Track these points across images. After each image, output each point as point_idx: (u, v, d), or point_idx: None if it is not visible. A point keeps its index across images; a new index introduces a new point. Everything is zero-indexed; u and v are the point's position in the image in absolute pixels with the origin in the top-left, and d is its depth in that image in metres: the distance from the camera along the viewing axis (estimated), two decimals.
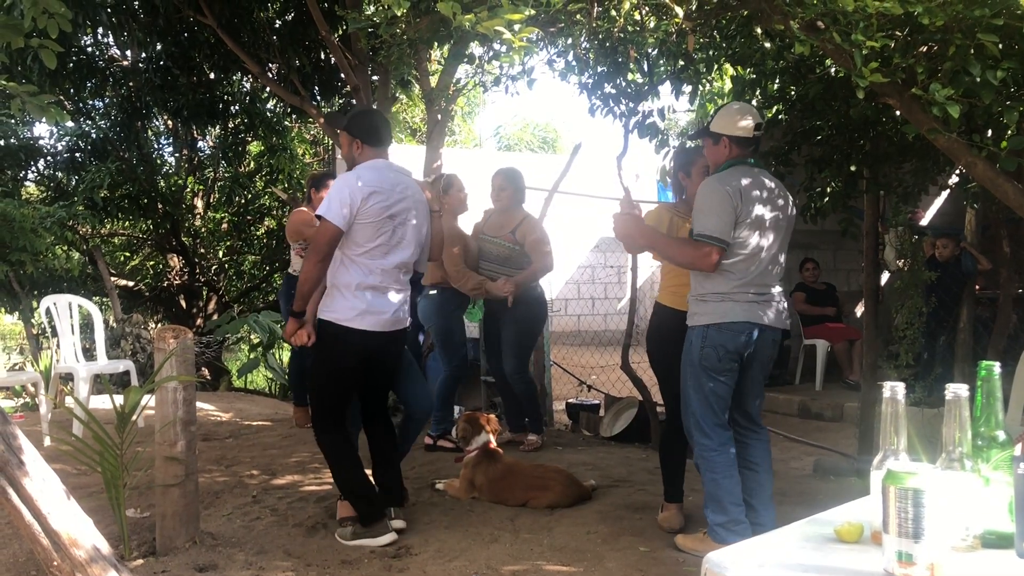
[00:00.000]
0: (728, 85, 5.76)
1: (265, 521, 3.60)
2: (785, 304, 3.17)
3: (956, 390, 1.39)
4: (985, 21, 2.47)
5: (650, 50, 4.46)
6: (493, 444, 4.01)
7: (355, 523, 3.34)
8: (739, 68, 4.72)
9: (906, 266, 5.61)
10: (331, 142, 9.01)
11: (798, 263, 7.43)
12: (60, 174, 9.57)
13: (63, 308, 5.63)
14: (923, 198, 5.05)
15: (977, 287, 6.19)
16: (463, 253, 4.75)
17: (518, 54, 3.45)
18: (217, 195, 10.52)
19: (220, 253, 11.13)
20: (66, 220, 7.93)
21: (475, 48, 4.46)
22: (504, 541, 3.33)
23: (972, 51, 2.58)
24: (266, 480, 4.27)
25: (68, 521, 2.47)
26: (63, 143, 9.30)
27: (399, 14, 3.08)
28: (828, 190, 4.60)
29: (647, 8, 3.47)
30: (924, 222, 7.84)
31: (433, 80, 6.90)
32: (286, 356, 8.07)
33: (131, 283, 10.58)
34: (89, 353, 6.05)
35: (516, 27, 2.74)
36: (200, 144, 10.71)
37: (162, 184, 9.88)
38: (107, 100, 9.30)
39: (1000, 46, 2.55)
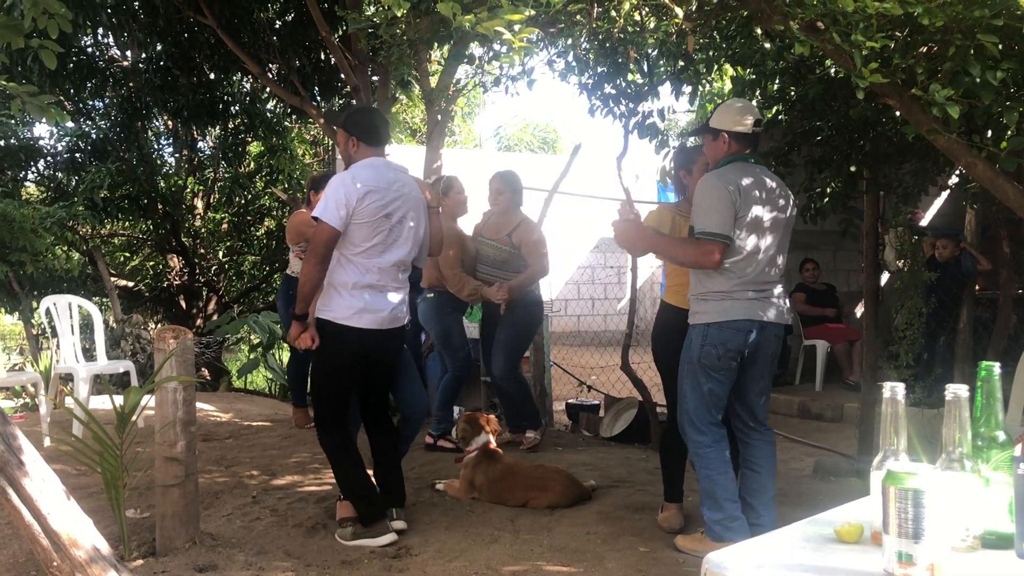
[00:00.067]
0: (728, 86, 5.77)
1: (265, 521, 3.60)
2: (786, 302, 3.17)
3: (956, 390, 1.39)
4: (985, 22, 2.47)
5: (650, 51, 4.47)
6: (493, 444, 4.01)
7: (355, 523, 3.34)
8: (739, 69, 4.73)
9: (906, 266, 5.61)
10: (331, 142, 9.01)
11: (798, 264, 7.43)
12: (60, 174, 9.57)
13: (63, 308, 5.63)
14: (923, 198, 5.05)
15: (977, 287, 6.18)
16: (460, 255, 4.75)
17: (518, 55, 3.45)
18: (217, 195, 10.51)
19: (220, 253, 11.13)
20: (66, 220, 7.93)
21: (475, 48, 4.46)
22: (504, 541, 3.33)
23: (972, 51, 2.58)
24: (266, 480, 4.27)
25: (68, 521, 2.46)
26: (63, 143, 9.30)
27: (399, 14, 3.08)
28: (828, 190, 4.60)
29: (647, 9, 3.47)
30: (924, 222, 7.83)
31: (433, 80, 6.90)
32: (286, 357, 8.07)
33: (131, 283, 10.58)
34: (89, 353, 6.05)
35: (516, 27, 2.74)
36: (200, 144, 10.71)
37: (162, 184, 9.88)
38: (107, 100, 9.30)
39: (1000, 47, 2.56)
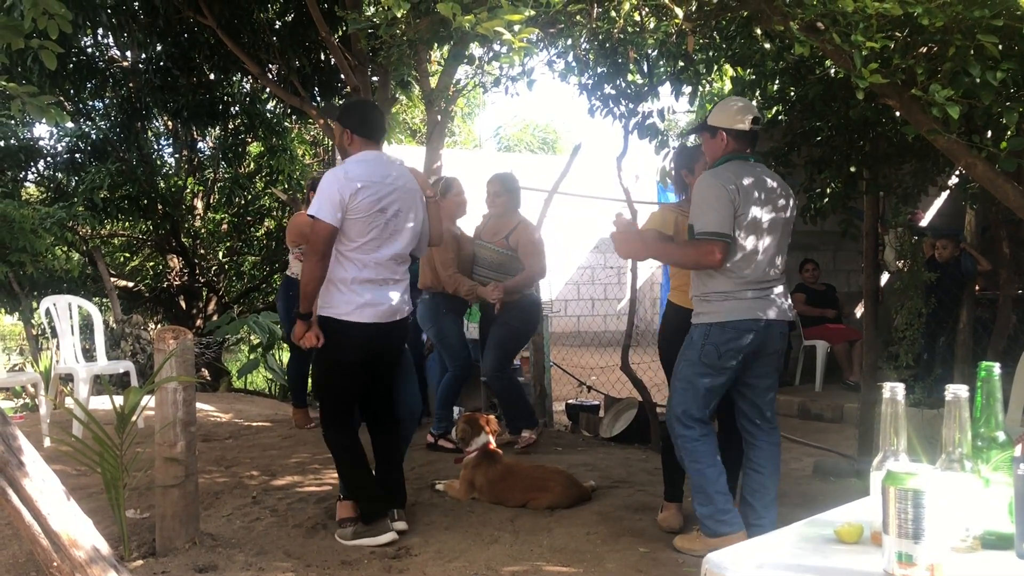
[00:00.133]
0: (728, 86, 5.77)
1: (265, 522, 3.59)
2: (788, 300, 3.17)
3: (956, 391, 1.39)
4: (985, 22, 2.47)
5: (650, 51, 4.47)
6: (493, 445, 4.01)
7: (355, 523, 3.34)
8: (739, 69, 4.73)
9: (906, 267, 5.61)
10: (331, 143, 9.02)
11: (798, 264, 7.43)
12: (60, 175, 9.58)
13: (63, 309, 5.62)
14: (923, 199, 5.05)
15: (977, 288, 6.18)
16: (456, 257, 4.75)
17: (518, 55, 3.45)
18: (217, 196, 10.52)
19: (220, 254, 11.13)
20: (66, 221, 7.93)
21: (475, 49, 4.46)
22: (504, 542, 3.33)
23: (972, 52, 2.58)
24: (266, 481, 4.27)
25: (68, 522, 2.46)
26: (63, 144, 9.30)
27: (399, 15, 3.08)
28: (828, 191, 4.60)
29: (647, 9, 3.47)
30: (924, 223, 7.83)
31: (433, 81, 6.90)
32: (285, 357, 8.07)
33: (131, 284, 10.58)
34: (89, 354, 6.05)
35: (516, 28, 2.74)
36: (200, 145, 10.71)
37: (162, 185, 9.88)
38: (107, 101, 9.30)
39: (1000, 47, 2.56)
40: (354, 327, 3.22)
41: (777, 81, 4.51)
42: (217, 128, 9.72)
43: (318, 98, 7.82)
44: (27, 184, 9.92)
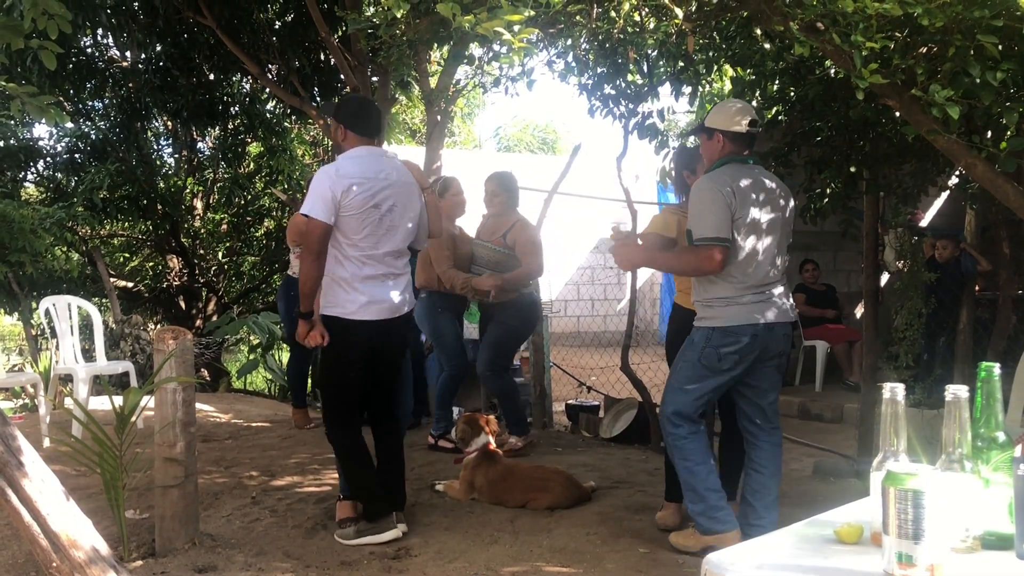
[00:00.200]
0: (728, 86, 5.77)
1: (264, 522, 3.59)
2: (790, 301, 3.17)
3: (956, 391, 1.39)
4: (985, 22, 2.47)
5: (650, 51, 4.47)
6: (492, 445, 4.01)
7: (356, 522, 3.34)
8: (739, 69, 4.73)
9: (906, 267, 5.62)
10: (331, 143, 9.00)
11: (798, 264, 7.44)
12: (60, 175, 9.57)
13: (62, 309, 5.62)
14: (923, 199, 5.05)
15: (977, 288, 6.18)
16: (452, 256, 4.75)
17: (518, 55, 3.45)
18: (216, 196, 10.51)
19: (219, 254, 11.12)
20: (65, 221, 7.93)
21: (475, 49, 4.46)
22: (504, 542, 3.33)
23: (972, 52, 2.58)
24: (265, 481, 4.26)
25: (67, 522, 2.46)
26: (63, 144, 9.30)
27: (399, 15, 3.08)
28: (828, 191, 4.60)
29: (647, 9, 3.47)
30: (924, 223, 7.83)
31: (433, 81, 6.90)
32: (285, 357, 8.07)
33: (130, 284, 10.57)
34: (88, 354, 6.05)
35: (516, 28, 2.74)
36: (200, 145, 10.70)
37: (162, 185, 9.87)
38: (107, 101, 9.30)
39: (1000, 47, 2.56)
40: (360, 325, 3.22)
41: (777, 81, 4.51)
42: (217, 128, 9.71)
43: (318, 98, 7.82)
44: (27, 184, 9.91)
